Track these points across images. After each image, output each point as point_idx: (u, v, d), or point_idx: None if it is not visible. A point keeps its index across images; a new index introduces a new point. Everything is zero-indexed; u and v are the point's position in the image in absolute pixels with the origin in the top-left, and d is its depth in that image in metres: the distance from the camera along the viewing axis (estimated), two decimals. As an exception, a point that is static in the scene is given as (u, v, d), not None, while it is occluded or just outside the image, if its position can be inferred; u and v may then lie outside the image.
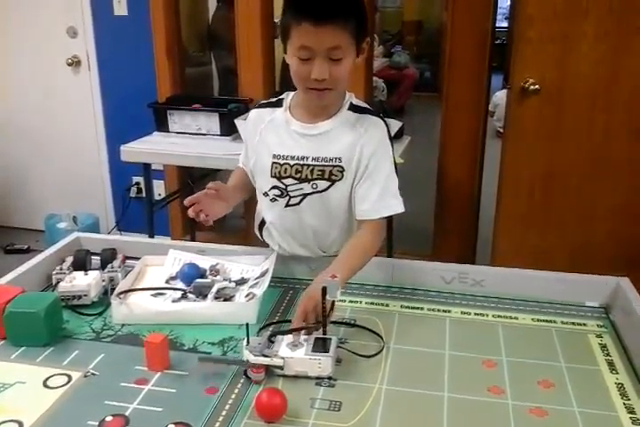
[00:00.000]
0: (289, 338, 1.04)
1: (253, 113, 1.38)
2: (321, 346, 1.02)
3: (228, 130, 2.64)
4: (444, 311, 1.23)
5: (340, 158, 1.27)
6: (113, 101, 3.24)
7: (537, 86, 2.30)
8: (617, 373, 1.04)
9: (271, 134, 1.33)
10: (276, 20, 3.24)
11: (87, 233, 1.50)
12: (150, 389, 0.97)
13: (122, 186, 3.35)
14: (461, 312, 1.22)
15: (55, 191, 3.44)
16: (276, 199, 1.33)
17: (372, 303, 1.25)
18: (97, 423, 0.89)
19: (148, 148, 2.59)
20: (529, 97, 2.33)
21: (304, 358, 0.99)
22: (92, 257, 1.37)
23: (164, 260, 1.36)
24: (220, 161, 2.50)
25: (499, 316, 1.21)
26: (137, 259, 1.38)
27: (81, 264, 1.33)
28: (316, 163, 1.28)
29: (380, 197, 1.26)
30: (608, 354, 1.09)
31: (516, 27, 2.33)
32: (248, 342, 1.01)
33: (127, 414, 0.91)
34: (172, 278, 1.31)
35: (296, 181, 1.30)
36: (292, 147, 1.30)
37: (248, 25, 2.85)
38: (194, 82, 3.37)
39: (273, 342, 1.03)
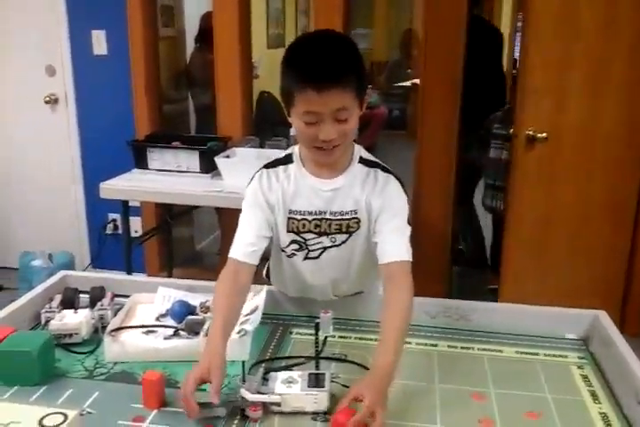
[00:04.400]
0: (282, 375, 1.06)
1: (263, 174, 1.29)
2: (316, 381, 1.04)
3: (208, 167, 2.68)
4: (432, 346, 1.26)
5: (355, 211, 1.27)
6: (90, 139, 3.25)
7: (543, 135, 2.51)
8: (600, 402, 1.08)
9: (287, 190, 1.28)
10: (253, 61, 3.33)
11: (74, 271, 1.51)
12: (148, 427, 0.98)
13: (98, 223, 3.33)
14: (448, 346, 1.26)
15: (31, 229, 3.41)
16: (294, 253, 1.32)
17: (360, 339, 1.28)
18: (96, 463, 0.89)
19: (129, 185, 2.60)
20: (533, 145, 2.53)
21: (300, 393, 1.01)
22: (80, 295, 1.38)
23: (154, 297, 1.37)
24: (201, 198, 2.55)
25: (484, 349, 1.25)
26: (125, 296, 1.39)
27: (70, 302, 1.34)
28: (334, 217, 1.27)
29: (404, 242, 1.23)
30: (590, 385, 1.14)
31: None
32: (244, 380, 1.02)
33: (126, 452, 0.92)
34: (163, 316, 1.32)
35: (315, 235, 1.29)
36: (310, 202, 1.27)
37: (227, 65, 2.92)
38: (170, 119, 3.41)
39: (267, 380, 1.05)
